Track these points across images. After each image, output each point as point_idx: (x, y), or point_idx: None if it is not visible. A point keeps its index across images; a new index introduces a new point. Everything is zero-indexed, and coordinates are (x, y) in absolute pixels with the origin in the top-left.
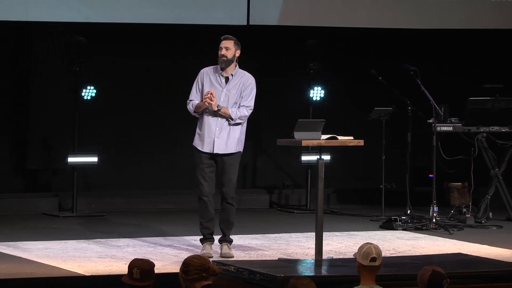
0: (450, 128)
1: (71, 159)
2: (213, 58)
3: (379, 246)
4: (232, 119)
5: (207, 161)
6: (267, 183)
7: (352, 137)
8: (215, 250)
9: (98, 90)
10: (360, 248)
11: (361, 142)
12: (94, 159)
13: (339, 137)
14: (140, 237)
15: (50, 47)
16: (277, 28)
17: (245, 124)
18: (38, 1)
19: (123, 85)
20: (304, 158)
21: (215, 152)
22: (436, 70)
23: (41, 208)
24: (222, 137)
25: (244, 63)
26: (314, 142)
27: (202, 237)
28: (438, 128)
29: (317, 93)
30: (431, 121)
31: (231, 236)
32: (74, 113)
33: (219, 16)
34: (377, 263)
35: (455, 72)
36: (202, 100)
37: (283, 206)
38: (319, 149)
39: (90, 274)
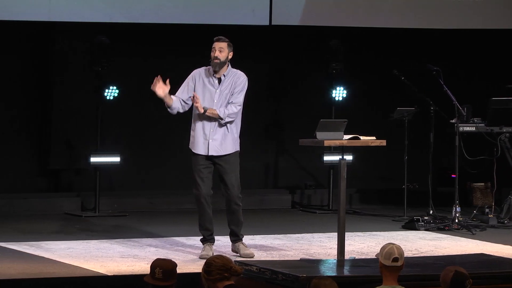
0: (473, 128)
1: (93, 159)
2: (236, 58)
3: (401, 247)
4: (221, 119)
5: (204, 162)
6: (289, 183)
7: (374, 137)
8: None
9: (120, 90)
10: (382, 248)
11: (383, 142)
12: (117, 159)
13: (362, 137)
14: (163, 237)
15: (73, 48)
16: (299, 28)
17: (239, 123)
18: (61, 1)
19: (146, 85)
20: (326, 158)
21: (210, 154)
22: (459, 70)
23: (63, 208)
24: (216, 139)
25: (266, 63)
26: (336, 142)
27: (202, 237)
28: (461, 128)
29: (339, 93)
30: (453, 121)
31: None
32: (97, 113)
33: (241, 17)
34: (399, 264)
35: (478, 72)
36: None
37: (305, 206)
38: (341, 149)
39: (112, 274)
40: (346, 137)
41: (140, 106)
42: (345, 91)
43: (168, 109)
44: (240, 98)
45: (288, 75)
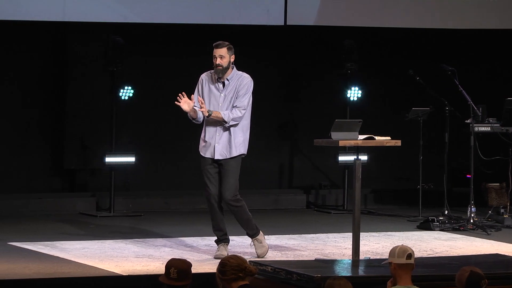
0: (488, 129)
1: (108, 159)
2: (251, 60)
3: (417, 247)
4: (225, 122)
5: (210, 166)
6: (304, 183)
7: (389, 138)
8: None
9: (135, 90)
10: (393, 249)
11: (398, 143)
12: (132, 159)
13: (376, 138)
14: (177, 237)
15: (87, 48)
16: (314, 28)
17: (248, 125)
18: (75, 1)
19: (160, 85)
20: (341, 158)
21: (215, 158)
22: (474, 70)
23: (78, 208)
24: (222, 143)
25: (281, 63)
26: (351, 143)
27: (216, 238)
28: (476, 129)
29: (354, 93)
30: (468, 121)
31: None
32: (112, 113)
33: (256, 16)
34: (412, 261)
35: (493, 72)
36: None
37: (320, 206)
38: (356, 149)
39: (127, 274)
40: (361, 137)
41: (155, 106)
42: (360, 91)
43: (194, 121)
44: (244, 101)
45: (303, 75)
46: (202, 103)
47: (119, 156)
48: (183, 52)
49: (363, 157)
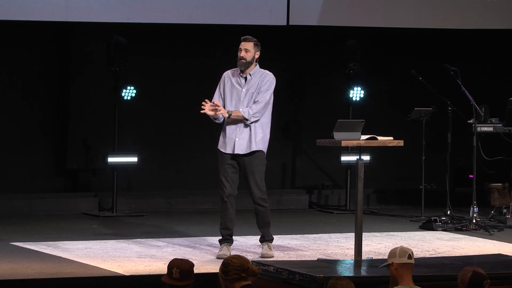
0: (491, 129)
1: (111, 159)
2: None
3: (419, 247)
4: (247, 120)
5: (229, 162)
6: (307, 183)
7: (392, 138)
8: (255, 250)
9: (138, 90)
10: (393, 251)
11: (401, 143)
12: (134, 159)
13: (379, 138)
14: (180, 237)
15: (90, 48)
16: (316, 28)
17: (268, 123)
18: (78, 1)
19: (163, 85)
20: (344, 158)
21: (235, 152)
22: (477, 70)
23: (81, 208)
24: (243, 137)
25: (283, 63)
26: (354, 143)
27: (220, 237)
28: (479, 129)
29: (356, 93)
30: (471, 121)
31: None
32: (114, 113)
33: (259, 17)
34: (413, 261)
35: (496, 72)
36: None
37: (322, 207)
38: (358, 150)
39: (129, 274)
40: (364, 137)
41: (158, 106)
42: (362, 91)
43: (215, 121)
44: (265, 96)
45: (306, 75)
46: (218, 105)
47: (122, 156)
48: (186, 52)
49: (366, 157)
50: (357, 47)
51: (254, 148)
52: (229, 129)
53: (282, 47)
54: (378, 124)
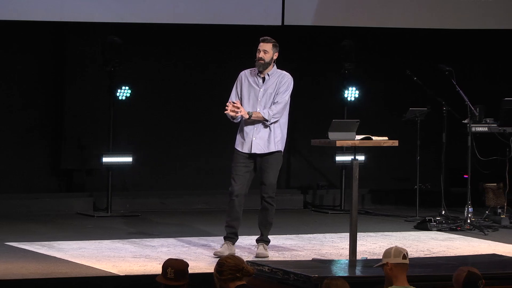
0: (485, 129)
1: (105, 159)
2: (248, 60)
3: (414, 247)
4: (267, 121)
5: (244, 160)
6: (301, 183)
7: (386, 138)
8: (252, 250)
9: (133, 91)
10: (387, 251)
11: (395, 143)
12: (129, 159)
13: (374, 138)
14: (175, 237)
15: (85, 48)
16: (312, 28)
17: (285, 123)
18: (74, 1)
19: (158, 85)
20: (339, 158)
21: (253, 152)
22: (471, 70)
23: (75, 208)
24: (261, 137)
25: (278, 63)
26: (349, 143)
27: (225, 234)
28: (473, 129)
29: (351, 93)
30: (466, 121)
31: (270, 237)
32: (109, 114)
33: (254, 17)
34: (407, 261)
35: (491, 72)
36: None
37: (317, 207)
38: (353, 150)
39: (124, 274)
40: (358, 137)
41: (152, 106)
42: (357, 91)
43: (233, 121)
44: (285, 97)
45: (301, 75)
46: (239, 107)
47: (116, 156)
48: (181, 52)
49: (361, 157)
50: (352, 47)
51: (273, 149)
52: (247, 128)
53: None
54: (373, 124)
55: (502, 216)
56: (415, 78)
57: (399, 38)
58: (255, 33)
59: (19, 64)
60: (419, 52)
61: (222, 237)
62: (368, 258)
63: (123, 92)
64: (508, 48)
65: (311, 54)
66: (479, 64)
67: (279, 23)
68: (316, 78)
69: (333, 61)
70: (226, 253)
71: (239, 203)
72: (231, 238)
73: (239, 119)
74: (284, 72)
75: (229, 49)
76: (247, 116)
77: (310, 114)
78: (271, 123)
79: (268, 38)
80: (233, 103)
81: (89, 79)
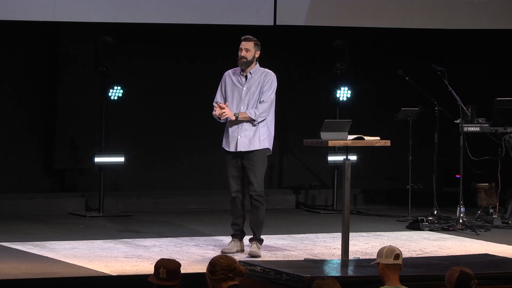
0: (477, 129)
1: (98, 159)
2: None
3: (406, 247)
4: (254, 120)
5: (233, 161)
6: (294, 183)
7: (378, 138)
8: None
9: (125, 91)
10: (381, 250)
11: (387, 143)
12: (121, 159)
13: (366, 138)
14: (167, 237)
15: (77, 48)
16: (304, 28)
17: (272, 121)
18: (66, 1)
19: (150, 85)
20: (331, 158)
21: (238, 150)
22: (463, 70)
23: (68, 208)
24: (246, 135)
25: (271, 63)
26: (341, 143)
27: (232, 233)
28: (465, 129)
29: (344, 93)
30: (458, 121)
31: (262, 237)
32: (101, 113)
33: (246, 17)
34: (400, 261)
35: (482, 72)
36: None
37: (309, 207)
38: (345, 150)
39: (116, 274)
40: (351, 137)
41: (145, 106)
42: (349, 91)
43: (220, 120)
44: (270, 95)
45: (293, 75)
46: (223, 107)
47: (109, 156)
48: (173, 52)
49: (353, 157)
50: (344, 47)
51: (258, 147)
52: (232, 128)
53: (269, 47)
54: (365, 124)
55: (494, 216)
56: (407, 78)
57: (391, 38)
58: (248, 33)
59: (11, 64)
60: (411, 52)
61: (214, 237)
62: (361, 258)
63: (115, 92)
64: (500, 47)
65: (303, 54)
66: (471, 64)
67: (271, 23)
68: (308, 78)
69: (325, 61)
70: (234, 250)
71: (240, 201)
72: (237, 235)
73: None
74: (267, 70)
75: (221, 49)
76: (233, 118)
77: (302, 114)
78: (259, 122)
79: (250, 37)
80: (219, 104)
81: (81, 79)
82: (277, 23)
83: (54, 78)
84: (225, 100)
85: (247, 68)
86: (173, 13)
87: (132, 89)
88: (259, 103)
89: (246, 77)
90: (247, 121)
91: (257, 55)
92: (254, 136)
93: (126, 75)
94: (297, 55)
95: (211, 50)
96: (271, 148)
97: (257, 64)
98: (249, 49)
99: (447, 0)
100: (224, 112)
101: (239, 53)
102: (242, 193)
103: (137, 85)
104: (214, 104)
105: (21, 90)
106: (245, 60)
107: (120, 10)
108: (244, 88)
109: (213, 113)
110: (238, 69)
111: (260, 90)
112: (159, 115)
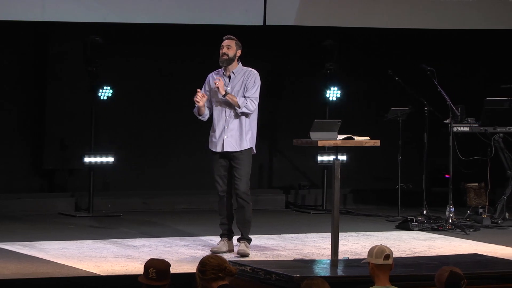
0: (467, 129)
1: (87, 159)
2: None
3: (395, 247)
4: (238, 107)
5: (220, 161)
6: (284, 183)
7: (368, 138)
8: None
9: (114, 90)
10: (371, 249)
11: (377, 143)
12: (111, 159)
13: (356, 138)
14: (156, 237)
15: (67, 47)
16: (293, 28)
17: (255, 120)
18: (55, 1)
19: (140, 85)
20: (321, 158)
21: (225, 150)
22: (453, 71)
23: (57, 208)
24: (232, 135)
25: (260, 63)
26: (331, 143)
27: (220, 233)
28: (455, 129)
29: (333, 93)
30: (447, 121)
31: (251, 236)
32: (91, 113)
33: (236, 17)
34: (390, 261)
35: (472, 72)
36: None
37: (299, 206)
38: (335, 150)
39: (106, 274)
40: (340, 137)
41: (134, 106)
42: (339, 91)
43: (200, 117)
44: (255, 93)
45: (282, 75)
46: (204, 95)
47: (98, 156)
48: (162, 52)
49: (342, 157)
50: (334, 47)
51: (245, 146)
52: (218, 128)
53: (259, 47)
54: (355, 124)
55: (483, 216)
56: (396, 78)
57: (381, 38)
58: (238, 33)
59: (0, 64)
60: (401, 52)
61: (203, 237)
62: (350, 258)
63: (105, 92)
64: (489, 48)
65: (293, 54)
66: (460, 64)
67: (261, 23)
68: (298, 78)
69: (315, 61)
70: (224, 249)
71: (228, 200)
72: (226, 235)
73: (206, 117)
74: (250, 68)
75: (211, 49)
76: (223, 92)
77: (292, 114)
78: (241, 114)
79: (231, 36)
80: (200, 93)
81: (71, 79)
82: (266, 23)
83: (44, 78)
84: (210, 102)
85: (228, 66)
86: (163, 13)
87: (122, 89)
88: (248, 99)
89: (229, 77)
90: (231, 121)
91: (238, 54)
92: (241, 136)
93: (116, 75)
94: (287, 55)
95: (201, 50)
96: (254, 148)
97: (240, 63)
98: (230, 46)
99: (436, 0)
100: (218, 82)
101: (221, 50)
102: (229, 193)
103: (127, 85)
104: (195, 99)
105: (10, 90)
106: (226, 57)
107: (109, 10)
108: (228, 88)
109: (198, 103)
110: (221, 70)
111: (244, 88)
112: (148, 115)
